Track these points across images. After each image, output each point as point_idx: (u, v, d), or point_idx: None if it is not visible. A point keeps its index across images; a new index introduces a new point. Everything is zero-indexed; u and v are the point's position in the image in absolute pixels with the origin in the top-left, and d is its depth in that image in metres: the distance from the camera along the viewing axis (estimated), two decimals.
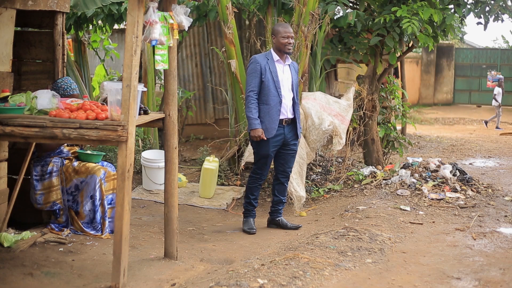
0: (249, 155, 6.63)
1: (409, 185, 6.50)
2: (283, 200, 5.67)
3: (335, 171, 7.46)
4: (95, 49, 10.71)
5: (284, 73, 5.44)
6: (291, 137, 5.48)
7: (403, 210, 5.83)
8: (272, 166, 5.77)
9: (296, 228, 5.61)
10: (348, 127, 6.95)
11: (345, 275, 3.95)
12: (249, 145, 6.67)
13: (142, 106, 4.21)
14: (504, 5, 7.42)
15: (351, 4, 8.21)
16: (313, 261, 4.11)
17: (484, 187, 6.67)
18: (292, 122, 5.48)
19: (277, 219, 5.68)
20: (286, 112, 5.42)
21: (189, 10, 4.35)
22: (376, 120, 7.95)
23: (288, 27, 5.48)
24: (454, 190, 6.39)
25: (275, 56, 5.43)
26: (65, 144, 5.19)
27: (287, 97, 5.41)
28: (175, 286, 3.89)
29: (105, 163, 5.29)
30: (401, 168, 7.06)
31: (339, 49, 7.79)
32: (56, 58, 5.40)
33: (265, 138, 5.29)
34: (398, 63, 10.53)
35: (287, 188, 5.76)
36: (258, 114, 5.31)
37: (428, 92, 21.41)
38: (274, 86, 5.33)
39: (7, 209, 4.75)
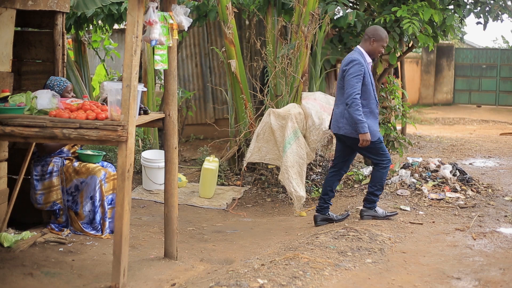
0: (250, 155, 6.63)
1: (409, 185, 6.50)
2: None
3: None
4: (95, 49, 10.71)
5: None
6: None
7: (403, 210, 5.83)
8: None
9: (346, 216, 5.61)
10: None
11: (345, 275, 3.95)
12: (250, 145, 6.67)
13: (142, 106, 4.21)
14: (504, 5, 7.43)
15: (351, 4, 8.21)
16: (313, 261, 4.11)
17: (484, 187, 6.67)
18: None
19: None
20: None
21: (189, 10, 4.35)
22: None
23: (387, 36, 5.37)
24: (454, 190, 6.39)
25: (367, 57, 5.30)
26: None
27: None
28: (175, 286, 3.89)
29: (105, 163, 5.29)
30: (401, 168, 7.06)
31: (339, 49, 7.79)
32: (56, 58, 5.41)
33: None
34: (398, 63, 10.52)
35: None
36: None
37: (428, 92, 21.39)
38: (372, 89, 5.25)
39: (7, 209, 4.75)
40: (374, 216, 5.43)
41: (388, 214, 5.49)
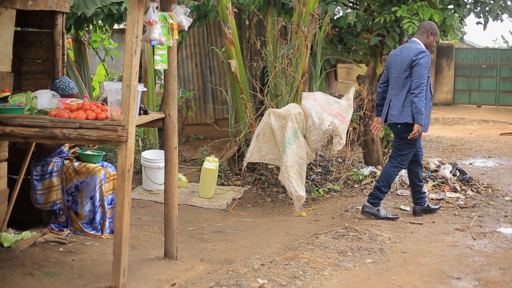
0: (250, 155, 6.63)
1: (409, 185, 6.49)
2: None
3: (335, 171, 7.46)
4: (95, 49, 10.71)
5: None
6: None
7: (403, 210, 5.84)
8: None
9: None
10: (348, 127, 6.95)
11: (345, 275, 3.95)
12: (250, 145, 6.66)
13: (142, 106, 4.21)
14: (504, 4, 7.42)
15: (351, 4, 8.21)
16: (313, 261, 4.11)
17: (484, 187, 6.67)
18: None
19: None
20: None
21: (189, 10, 4.35)
22: None
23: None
24: (454, 190, 6.39)
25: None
26: (66, 144, 5.19)
27: None
28: (175, 286, 3.89)
29: (105, 163, 5.29)
30: None
31: (339, 49, 7.79)
32: (56, 58, 5.40)
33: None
34: None
35: None
36: None
37: None
38: (429, 82, 5.38)
39: (7, 209, 4.75)
40: (375, 215, 5.44)
41: (389, 216, 5.48)
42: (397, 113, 5.40)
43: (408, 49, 5.41)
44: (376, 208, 5.46)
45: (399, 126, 5.42)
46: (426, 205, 5.66)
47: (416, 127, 5.28)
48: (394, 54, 5.55)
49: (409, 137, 5.33)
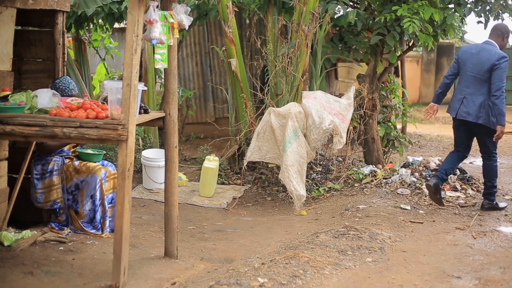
0: (251, 154, 6.63)
1: (409, 184, 6.50)
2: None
3: (336, 170, 7.46)
4: (96, 48, 10.71)
5: None
6: None
7: (403, 209, 5.84)
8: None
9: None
10: (349, 126, 6.95)
11: (345, 274, 3.95)
12: (251, 144, 6.66)
13: (143, 105, 4.21)
14: (504, 4, 7.41)
15: (351, 3, 8.21)
16: (313, 260, 4.11)
17: None
18: None
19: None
20: None
21: (190, 9, 4.35)
22: (377, 119, 7.95)
23: None
24: (455, 189, 6.40)
25: None
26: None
27: None
28: (175, 285, 3.89)
29: (106, 162, 5.29)
30: (401, 167, 7.06)
31: (340, 48, 7.78)
32: (56, 57, 5.40)
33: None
34: (399, 62, 10.51)
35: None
36: None
37: (429, 91, 21.33)
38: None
39: (7, 208, 4.76)
40: (495, 208, 5.74)
41: (504, 206, 5.82)
42: (475, 113, 5.62)
43: (488, 52, 5.58)
44: (495, 202, 5.77)
45: (476, 125, 5.66)
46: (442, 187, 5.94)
47: (499, 128, 5.55)
48: (469, 52, 5.70)
49: (494, 139, 5.66)
